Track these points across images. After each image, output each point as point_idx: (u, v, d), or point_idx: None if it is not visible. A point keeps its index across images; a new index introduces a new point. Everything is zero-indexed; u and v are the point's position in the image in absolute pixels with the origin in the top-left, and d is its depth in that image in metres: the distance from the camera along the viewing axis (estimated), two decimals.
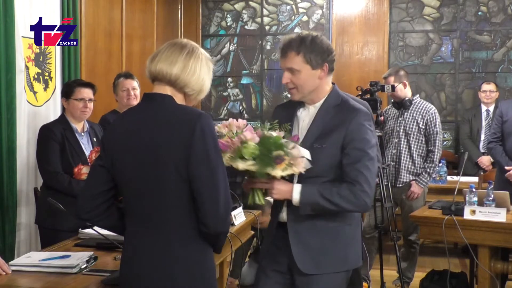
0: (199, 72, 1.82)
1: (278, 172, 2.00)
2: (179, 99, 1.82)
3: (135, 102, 3.86)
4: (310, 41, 2.13)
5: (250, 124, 2.18)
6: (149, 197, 1.76)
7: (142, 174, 1.76)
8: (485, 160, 5.18)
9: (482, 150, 5.30)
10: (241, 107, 6.94)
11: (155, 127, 1.75)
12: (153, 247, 1.76)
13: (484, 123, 5.41)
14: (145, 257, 1.77)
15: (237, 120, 2.12)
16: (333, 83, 2.25)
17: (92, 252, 2.38)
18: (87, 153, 3.28)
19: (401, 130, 4.22)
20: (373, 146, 2.12)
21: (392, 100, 4.37)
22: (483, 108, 5.47)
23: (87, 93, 3.36)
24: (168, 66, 1.79)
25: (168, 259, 1.75)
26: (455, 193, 3.34)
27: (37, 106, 4.09)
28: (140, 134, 1.77)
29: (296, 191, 2.07)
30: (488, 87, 5.45)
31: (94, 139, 3.41)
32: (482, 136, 5.37)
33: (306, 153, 2.07)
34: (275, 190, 2.10)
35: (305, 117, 2.22)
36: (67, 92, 3.38)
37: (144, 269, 1.77)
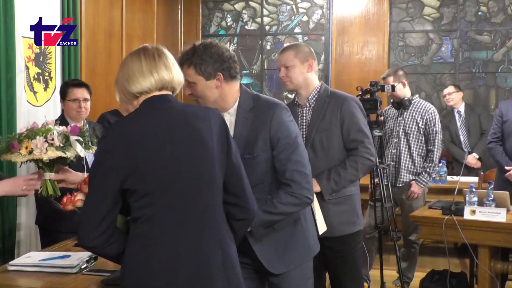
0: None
1: (18, 158, 2.22)
2: None
3: None
4: (201, 51, 2.07)
5: None
6: (198, 194, 1.70)
7: (188, 172, 1.68)
8: (471, 159, 5.28)
9: (465, 150, 5.36)
10: None
11: (194, 122, 1.73)
12: (207, 247, 1.70)
13: (459, 124, 5.46)
14: (195, 260, 1.67)
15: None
16: (241, 84, 2.19)
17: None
18: (87, 154, 3.24)
19: (401, 130, 4.22)
20: (297, 136, 2.13)
21: (392, 100, 4.38)
22: (454, 111, 5.51)
23: (80, 93, 3.29)
24: (174, 72, 1.79)
25: (226, 258, 1.73)
26: (455, 193, 3.35)
27: (37, 106, 4.10)
28: (182, 132, 1.71)
29: None
30: (447, 90, 5.53)
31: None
32: (461, 138, 5.44)
33: (79, 148, 2.26)
34: None
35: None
36: (62, 93, 3.35)
37: (199, 274, 1.66)
